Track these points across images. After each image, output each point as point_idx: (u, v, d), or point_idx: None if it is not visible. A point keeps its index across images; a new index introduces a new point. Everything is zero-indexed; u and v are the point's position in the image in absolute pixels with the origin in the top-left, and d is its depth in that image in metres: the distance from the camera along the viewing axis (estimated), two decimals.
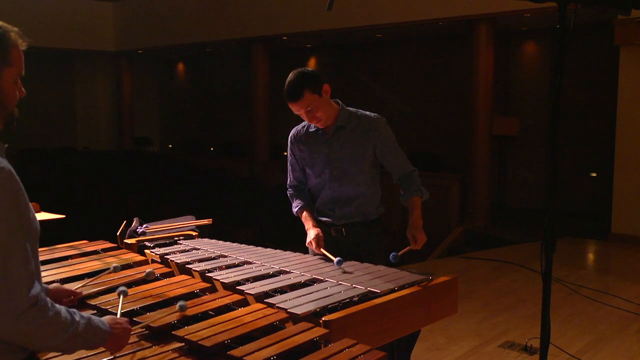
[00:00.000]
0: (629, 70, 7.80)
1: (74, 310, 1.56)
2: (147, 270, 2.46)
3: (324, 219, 3.02)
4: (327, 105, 2.87)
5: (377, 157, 2.95)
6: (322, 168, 2.97)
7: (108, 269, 2.50)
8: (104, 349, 1.69)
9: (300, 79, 2.78)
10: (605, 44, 8.36)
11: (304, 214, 3.02)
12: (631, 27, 7.49)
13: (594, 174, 9.69)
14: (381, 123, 2.94)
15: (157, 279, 2.47)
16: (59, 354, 1.72)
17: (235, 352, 1.73)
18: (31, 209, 1.55)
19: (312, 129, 3.00)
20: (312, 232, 2.90)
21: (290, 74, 2.82)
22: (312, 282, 2.38)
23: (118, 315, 1.90)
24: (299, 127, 3.08)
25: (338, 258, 2.61)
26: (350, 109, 2.98)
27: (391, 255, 2.74)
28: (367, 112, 2.98)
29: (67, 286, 2.09)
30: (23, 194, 1.50)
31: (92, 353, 1.73)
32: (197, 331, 1.87)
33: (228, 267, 2.58)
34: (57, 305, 1.52)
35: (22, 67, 1.60)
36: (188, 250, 2.85)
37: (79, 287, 2.22)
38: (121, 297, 2.02)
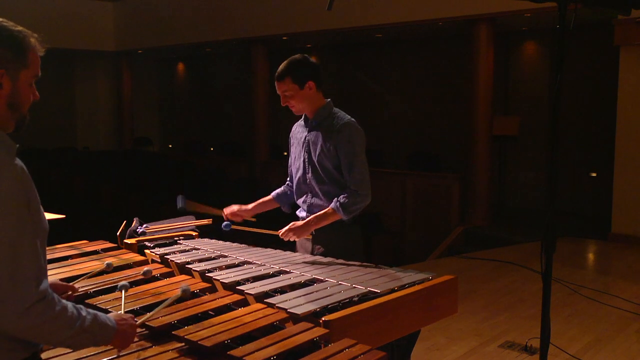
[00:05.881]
0: (629, 70, 7.80)
1: (81, 306, 1.58)
2: (145, 269, 2.46)
3: (300, 213, 3.08)
4: (307, 99, 2.94)
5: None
6: (299, 157, 3.07)
7: (105, 267, 2.51)
8: (107, 348, 1.70)
9: (290, 65, 2.92)
10: (605, 44, 8.36)
11: (267, 197, 3.24)
12: (631, 27, 7.49)
13: (594, 174, 9.69)
14: (347, 127, 2.91)
15: (156, 278, 2.47)
16: (61, 354, 1.72)
17: (235, 352, 1.73)
18: (41, 207, 1.58)
19: (302, 122, 3.11)
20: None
21: (294, 55, 2.96)
22: (312, 282, 2.38)
23: (122, 312, 1.91)
24: (297, 122, 3.19)
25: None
26: (335, 109, 3.01)
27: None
28: (345, 116, 2.98)
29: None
30: (34, 192, 1.53)
31: (93, 352, 1.73)
32: (197, 331, 1.87)
33: (228, 267, 2.58)
34: (64, 301, 1.54)
35: (38, 70, 1.64)
36: (188, 250, 2.85)
37: (76, 282, 2.25)
38: (123, 292, 2.03)
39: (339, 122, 2.93)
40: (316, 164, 2.96)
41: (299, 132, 3.12)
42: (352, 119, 2.96)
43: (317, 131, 2.98)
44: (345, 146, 2.88)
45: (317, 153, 2.95)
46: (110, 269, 2.51)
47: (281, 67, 2.92)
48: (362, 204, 2.88)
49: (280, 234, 2.91)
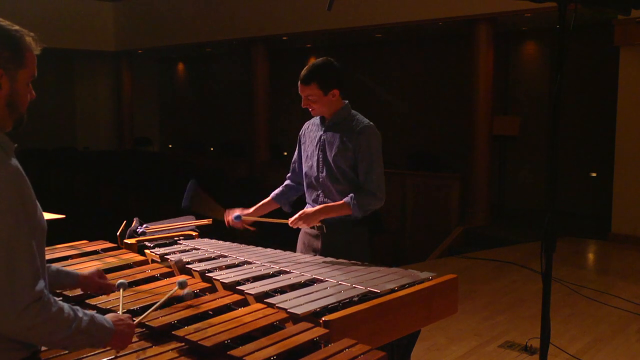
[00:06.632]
0: (629, 70, 7.80)
1: (77, 307, 1.58)
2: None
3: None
4: (329, 104, 2.96)
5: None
6: (312, 156, 3.07)
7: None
8: (107, 348, 1.70)
9: (317, 70, 2.91)
10: (605, 44, 8.36)
11: (267, 199, 3.23)
12: (631, 27, 7.49)
13: (594, 174, 9.69)
14: (368, 131, 2.94)
15: (156, 278, 2.47)
16: (61, 354, 1.72)
17: (235, 352, 1.73)
18: (38, 207, 1.58)
19: (317, 121, 3.11)
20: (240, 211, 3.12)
21: (321, 59, 2.96)
22: (312, 282, 2.38)
23: (120, 312, 1.91)
24: (310, 120, 3.19)
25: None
26: (353, 112, 3.04)
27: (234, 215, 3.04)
28: (364, 119, 3.00)
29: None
30: (30, 192, 1.53)
31: (92, 352, 1.73)
32: (197, 331, 1.86)
33: (228, 267, 2.58)
34: (61, 302, 1.54)
35: (35, 70, 1.64)
36: (188, 250, 2.85)
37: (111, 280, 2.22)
38: (122, 290, 2.02)
39: (359, 125, 2.96)
40: (331, 164, 2.96)
41: (312, 130, 3.12)
42: (372, 123, 2.98)
43: (334, 132, 2.99)
44: (365, 149, 2.91)
45: (334, 153, 2.96)
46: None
47: (307, 70, 2.91)
48: (376, 206, 2.93)
49: (290, 221, 2.93)
